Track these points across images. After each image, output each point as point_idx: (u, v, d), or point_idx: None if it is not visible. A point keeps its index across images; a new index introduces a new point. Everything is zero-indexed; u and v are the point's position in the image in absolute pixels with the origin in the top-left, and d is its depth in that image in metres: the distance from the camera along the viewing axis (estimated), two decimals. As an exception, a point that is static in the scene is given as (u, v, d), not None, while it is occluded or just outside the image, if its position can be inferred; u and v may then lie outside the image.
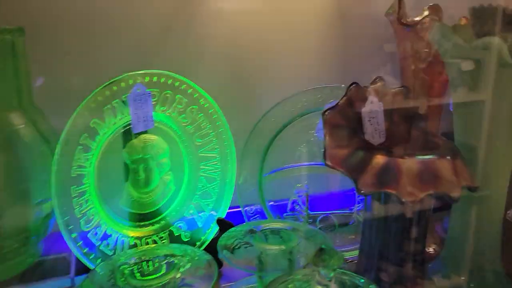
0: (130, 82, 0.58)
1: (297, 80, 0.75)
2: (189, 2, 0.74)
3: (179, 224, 0.69)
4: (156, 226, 0.67)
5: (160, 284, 0.49)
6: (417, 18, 0.67)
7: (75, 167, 0.55)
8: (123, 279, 0.49)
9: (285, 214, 0.73)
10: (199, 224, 0.70)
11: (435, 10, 0.70)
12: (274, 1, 0.77)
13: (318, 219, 0.73)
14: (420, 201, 0.47)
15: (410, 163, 0.47)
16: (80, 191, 0.56)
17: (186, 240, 0.68)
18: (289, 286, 0.43)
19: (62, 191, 0.53)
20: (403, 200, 0.46)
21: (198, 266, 0.52)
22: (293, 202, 0.73)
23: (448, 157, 0.48)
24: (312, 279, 0.43)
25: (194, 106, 0.67)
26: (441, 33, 0.56)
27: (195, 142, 0.69)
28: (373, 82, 0.56)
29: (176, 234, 0.68)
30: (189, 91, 0.66)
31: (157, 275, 0.50)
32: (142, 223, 0.66)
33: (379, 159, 0.49)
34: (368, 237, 0.55)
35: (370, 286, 0.45)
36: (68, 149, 0.53)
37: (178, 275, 0.50)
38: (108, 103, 0.57)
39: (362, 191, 0.48)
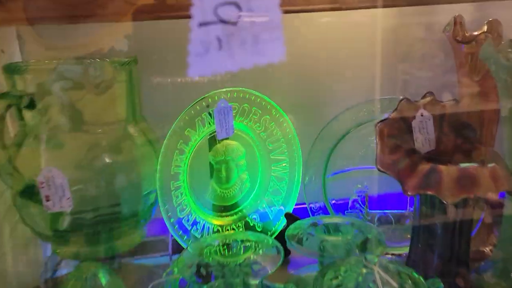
0: (216, 98, 0.71)
1: (359, 91, 0.83)
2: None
3: (253, 216, 0.81)
4: (235, 217, 0.80)
5: (238, 262, 0.61)
6: (475, 33, 0.73)
7: (173, 166, 0.69)
8: (209, 256, 0.63)
9: (346, 211, 0.82)
10: (270, 217, 0.82)
11: (494, 25, 0.75)
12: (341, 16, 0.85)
13: (377, 217, 0.81)
14: (460, 204, 0.54)
15: (451, 170, 0.54)
16: (177, 185, 0.71)
17: (259, 230, 0.80)
18: (342, 268, 0.53)
19: (164, 185, 0.68)
20: (444, 201, 0.54)
21: (268, 250, 0.64)
22: (354, 201, 0.82)
23: (488, 165, 0.55)
24: (360, 264, 0.52)
25: (267, 116, 0.79)
26: (489, 49, 0.61)
27: (268, 147, 0.81)
28: (423, 96, 0.63)
29: (251, 225, 0.80)
30: (263, 103, 0.78)
31: (236, 255, 0.63)
32: (224, 214, 0.79)
33: (425, 165, 0.57)
34: (416, 237, 0.63)
35: (413, 273, 0.53)
36: (168, 152, 0.68)
37: (252, 256, 0.62)
38: (199, 116, 0.71)
39: (408, 193, 0.56)
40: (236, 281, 0.57)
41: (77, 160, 0.63)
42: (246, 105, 0.76)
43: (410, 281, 0.52)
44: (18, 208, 0.64)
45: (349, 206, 0.82)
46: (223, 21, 0.23)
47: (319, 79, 0.88)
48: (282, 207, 0.81)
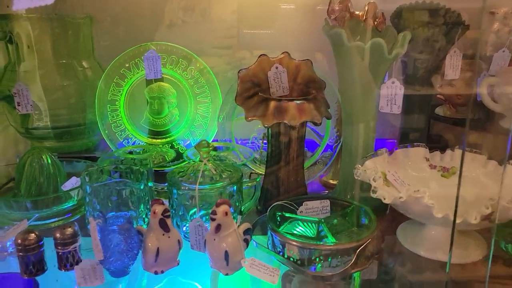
0: (147, 48, 0.99)
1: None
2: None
3: (179, 141, 1.09)
4: (163, 140, 1.08)
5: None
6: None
7: (110, 94, 0.98)
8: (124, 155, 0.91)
9: (247, 145, 1.07)
10: (192, 145, 1.09)
11: (372, 6, 0.95)
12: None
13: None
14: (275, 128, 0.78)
15: (273, 104, 0.78)
16: (113, 108, 1.00)
17: (182, 152, 1.08)
18: (187, 165, 0.80)
19: (101, 105, 0.98)
20: (264, 125, 0.78)
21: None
22: (254, 137, 1.07)
23: (301, 102, 0.78)
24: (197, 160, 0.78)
25: (192, 67, 1.05)
26: (327, 25, 0.83)
27: (195, 91, 1.07)
28: (280, 54, 0.87)
29: (175, 147, 1.08)
30: (189, 56, 1.04)
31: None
32: (155, 137, 1.07)
33: (263, 102, 0.81)
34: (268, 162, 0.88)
35: (235, 165, 0.79)
36: (107, 82, 0.97)
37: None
38: (132, 60, 0.98)
39: (247, 119, 0.81)
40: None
41: (43, 82, 0.93)
42: (174, 56, 1.03)
43: (231, 172, 0.77)
44: (5, 110, 0.96)
45: (250, 142, 1.07)
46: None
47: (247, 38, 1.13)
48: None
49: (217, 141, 1.07)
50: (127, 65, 0.99)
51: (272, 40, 1.12)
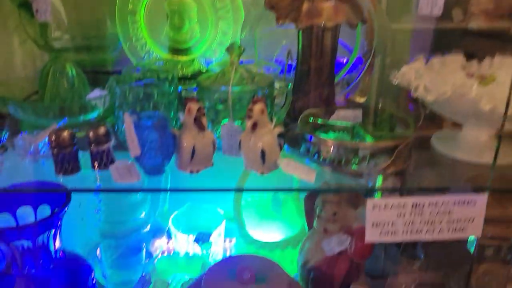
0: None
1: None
2: None
3: (200, 60, 1.05)
4: (184, 58, 1.04)
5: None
6: None
7: (130, 5, 0.94)
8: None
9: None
10: (214, 63, 1.05)
11: None
12: None
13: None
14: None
15: (306, 4, 0.74)
16: (134, 20, 0.96)
17: (203, 70, 1.05)
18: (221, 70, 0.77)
19: (121, 16, 0.93)
20: (298, 26, 0.74)
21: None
22: (278, 54, 1.03)
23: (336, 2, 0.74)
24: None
25: (213, -22, 0.99)
26: None
27: (216, 5, 1.02)
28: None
29: (196, 66, 1.05)
30: (211, -33, 0.98)
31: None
32: (175, 54, 1.04)
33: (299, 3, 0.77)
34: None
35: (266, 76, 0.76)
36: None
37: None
38: (151, -32, 0.93)
39: (279, 21, 0.77)
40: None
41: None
42: (195, -33, 0.97)
43: (262, 78, 0.75)
44: (22, 20, 0.92)
45: (274, 59, 1.03)
46: None
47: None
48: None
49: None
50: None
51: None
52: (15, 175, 0.72)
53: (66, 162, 0.64)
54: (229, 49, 0.73)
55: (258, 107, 0.63)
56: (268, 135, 0.65)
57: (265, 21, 1.02)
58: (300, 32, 0.79)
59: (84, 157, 0.66)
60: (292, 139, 0.75)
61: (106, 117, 0.86)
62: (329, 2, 0.75)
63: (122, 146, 0.69)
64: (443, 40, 0.99)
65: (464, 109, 0.65)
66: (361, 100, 1.00)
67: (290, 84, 0.80)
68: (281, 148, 0.69)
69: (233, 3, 1.01)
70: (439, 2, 0.75)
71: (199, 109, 0.63)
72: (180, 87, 0.74)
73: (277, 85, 0.85)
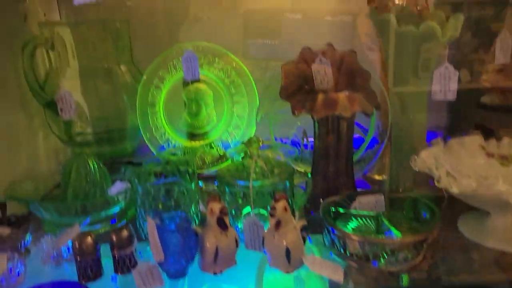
0: (183, 49, 0.97)
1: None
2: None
3: (218, 144, 1.07)
4: (202, 142, 1.06)
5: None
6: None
7: (150, 96, 0.97)
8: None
9: (286, 143, 1.05)
10: (231, 146, 1.07)
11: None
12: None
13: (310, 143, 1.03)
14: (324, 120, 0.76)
15: (322, 95, 0.76)
16: (154, 111, 0.99)
17: (221, 154, 1.06)
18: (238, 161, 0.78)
19: (142, 109, 0.97)
20: (314, 117, 0.76)
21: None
22: (294, 135, 1.04)
23: (350, 93, 0.75)
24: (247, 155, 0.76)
25: (228, 66, 1.03)
26: (373, 13, 0.81)
27: (231, 91, 1.05)
28: (324, 46, 0.84)
29: (214, 149, 1.06)
30: (225, 56, 1.02)
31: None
32: (193, 139, 1.06)
33: (309, 94, 0.79)
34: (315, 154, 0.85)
35: (286, 163, 0.76)
36: (146, 85, 0.96)
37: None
38: (170, 61, 0.98)
39: (295, 112, 0.78)
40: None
41: (83, 87, 0.93)
42: (210, 56, 1.02)
43: (281, 168, 0.75)
44: (47, 118, 0.95)
45: (290, 139, 1.04)
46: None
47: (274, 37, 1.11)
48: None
49: (257, 141, 1.05)
50: (165, 67, 0.99)
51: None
52: (38, 278, 0.71)
53: (89, 269, 0.63)
54: (247, 144, 0.75)
55: (280, 205, 0.62)
56: (292, 232, 0.64)
57: (279, 102, 1.05)
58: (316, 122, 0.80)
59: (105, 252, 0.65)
60: (314, 226, 0.74)
61: (128, 210, 0.86)
62: (343, 92, 0.76)
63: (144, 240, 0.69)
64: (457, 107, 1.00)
65: (491, 200, 0.63)
66: (379, 177, 1.00)
67: (309, 173, 0.79)
68: (304, 241, 0.68)
69: (247, 88, 1.05)
70: (452, 87, 0.76)
71: (222, 209, 0.63)
72: (200, 183, 0.75)
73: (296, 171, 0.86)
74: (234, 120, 1.07)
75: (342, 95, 0.76)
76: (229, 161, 0.96)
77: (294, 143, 1.05)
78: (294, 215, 0.79)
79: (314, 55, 0.84)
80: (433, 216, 0.69)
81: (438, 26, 0.72)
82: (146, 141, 0.99)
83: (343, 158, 0.82)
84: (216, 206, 0.63)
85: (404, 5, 0.92)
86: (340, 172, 0.83)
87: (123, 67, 0.98)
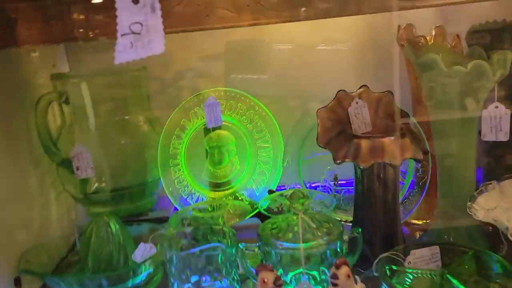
0: (206, 95, 0.92)
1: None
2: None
3: (242, 192, 1.00)
4: (226, 192, 0.99)
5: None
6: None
7: (172, 148, 0.91)
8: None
9: (317, 188, 0.98)
10: (256, 194, 1.00)
11: (441, 30, 0.89)
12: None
13: (342, 192, 0.96)
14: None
15: (367, 142, 0.70)
16: (175, 163, 0.92)
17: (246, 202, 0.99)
18: (280, 217, 0.71)
19: (163, 162, 0.90)
20: (360, 166, 0.70)
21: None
22: (324, 180, 0.98)
23: (396, 137, 0.70)
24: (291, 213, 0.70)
25: (251, 111, 0.98)
26: (410, 52, 0.76)
27: (254, 136, 0.99)
28: (359, 88, 0.80)
29: (239, 199, 0.99)
30: (247, 100, 0.97)
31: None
32: (217, 189, 0.99)
33: (351, 140, 0.73)
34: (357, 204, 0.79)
35: (335, 221, 0.70)
36: (167, 136, 0.90)
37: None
38: (192, 109, 0.92)
39: (336, 161, 0.72)
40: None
41: (99, 141, 0.86)
42: (232, 101, 0.96)
43: (329, 224, 0.68)
44: (60, 176, 0.88)
45: (320, 185, 0.98)
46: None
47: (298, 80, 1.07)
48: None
49: (284, 188, 0.98)
50: (186, 115, 0.93)
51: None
52: None
53: None
54: (291, 199, 0.68)
55: (343, 271, 0.55)
56: (355, 301, 0.56)
57: (308, 146, 0.99)
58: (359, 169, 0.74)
59: None
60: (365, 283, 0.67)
61: (154, 276, 0.78)
62: (388, 138, 0.71)
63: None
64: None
65: None
66: (419, 222, 0.93)
67: (359, 229, 0.72)
68: (364, 307, 0.60)
69: (271, 132, 0.99)
70: (504, 128, 0.71)
71: (275, 280, 0.56)
72: (241, 245, 0.67)
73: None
74: (259, 167, 1.00)
75: (388, 141, 0.70)
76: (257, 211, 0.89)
77: (326, 189, 0.98)
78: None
79: (350, 97, 0.79)
80: (505, 271, 0.62)
81: (487, 65, 0.68)
82: (169, 195, 0.92)
83: (390, 206, 0.76)
84: (269, 277, 0.56)
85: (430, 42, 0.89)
86: (388, 223, 0.77)
87: (141, 117, 0.92)
